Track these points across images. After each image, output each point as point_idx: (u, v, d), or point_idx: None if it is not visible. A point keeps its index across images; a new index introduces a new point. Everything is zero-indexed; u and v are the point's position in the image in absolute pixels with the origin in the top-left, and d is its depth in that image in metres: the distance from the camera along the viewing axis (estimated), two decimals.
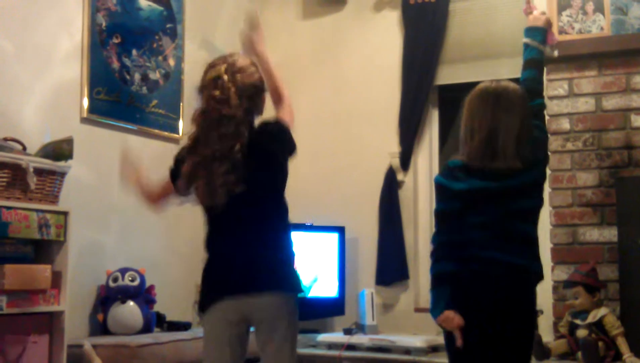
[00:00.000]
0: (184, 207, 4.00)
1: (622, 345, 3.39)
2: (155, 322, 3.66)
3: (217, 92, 2.42)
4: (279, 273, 2.48)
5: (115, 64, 3.78)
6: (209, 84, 2.46)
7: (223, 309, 2.46)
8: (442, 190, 2.55)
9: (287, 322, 2.46)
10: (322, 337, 4.01)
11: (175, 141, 4.13)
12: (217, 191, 2.42)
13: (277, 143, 2.53)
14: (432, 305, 2.52)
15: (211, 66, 2.50)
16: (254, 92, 2.51)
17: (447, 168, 2.58)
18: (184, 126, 4.17)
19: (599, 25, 3.84)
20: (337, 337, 4.01)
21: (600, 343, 3.36)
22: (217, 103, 2.42)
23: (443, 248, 2.51)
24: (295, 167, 4.66)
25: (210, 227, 2.53)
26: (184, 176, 2.48)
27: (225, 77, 2.44)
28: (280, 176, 2.56)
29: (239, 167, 2.41)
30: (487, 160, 2.48)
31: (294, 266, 2.54)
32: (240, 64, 2.49)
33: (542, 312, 3.50)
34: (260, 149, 2.48)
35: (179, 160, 2.56)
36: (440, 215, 2.55)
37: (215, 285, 2.48)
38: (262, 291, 2.43)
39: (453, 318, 2.46)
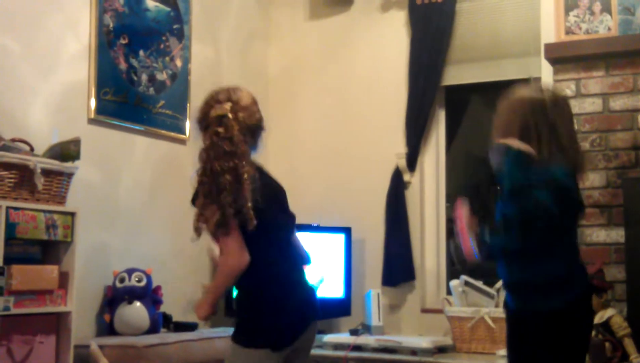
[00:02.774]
0: (191, 208, 4.02)
1: (629, 346, 3.39)
2: (162, 322, 3.66)
3: (221, 130, 2.46)
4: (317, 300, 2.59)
5: (123, 65, 3.79)
6: (213, 121, 2.49)
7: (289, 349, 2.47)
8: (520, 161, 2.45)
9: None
10: (329, 338, 4.01)
11: (182, 141, 4.14)
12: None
13: None
14: None
15: (216, 101, 2.52)
16: (259, 129, 2.57)
17: None
18: (191, 127, 4.17)
19: (606, 26, 3.83)
20: (344, 337, 4.01)
21: (607, 344, 3.35)
22: (221, 140, 2.46)
23: None
24: (302, 168, 4.73)
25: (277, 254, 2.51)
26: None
27: (231, 115, 2.48)
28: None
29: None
30: None
31: None
32: (245, 102, 2.52)
33: None
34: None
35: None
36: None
37: (295, 321, 2.46)
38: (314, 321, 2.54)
39: None
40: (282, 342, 2.42)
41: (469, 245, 2.53)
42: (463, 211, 2.58)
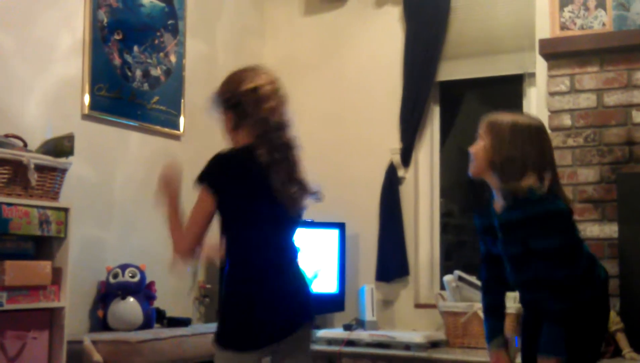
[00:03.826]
0: (185, 204, 4.01)
1: (622, 340, 3.40)
2: (156, 318, 3.67)
3: (268, 103, 2.35)
4: (311, 302, 2.44)
5: (117, 61, 3.79)
6: (248, 94, 2.34)
7: (268, 352, 2.33)
8: (570, 218, 2.47)
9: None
10: (322, 333, 4.02)
11: (177, 137, 4.14)
12: (298, 196, 2.40)
13: None
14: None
15: (244, 77, 2.37)
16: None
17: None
18: (185, 123, 4.17)
19: (601, 21, 3.84)
20: (337, 332, 4.02)
21: None
22: (267, 112, 2.35)
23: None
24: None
25: (262, 245, 2.35)
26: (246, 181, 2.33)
27: (268, 87, 2.36)
28: None
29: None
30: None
31: None
32: (272, 76, 2.42)
33: None
34: None
35: (229, 170, 2.35)
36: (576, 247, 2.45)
37: (273, 323, 2.29)
38: (301, 327, 2.37)
39: None
40: (254, 342, 2.26)
41: None
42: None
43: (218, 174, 2.30)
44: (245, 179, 2.30)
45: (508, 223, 2.41)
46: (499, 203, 2.44)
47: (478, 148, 2.47)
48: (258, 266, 2.32)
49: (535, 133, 2.44)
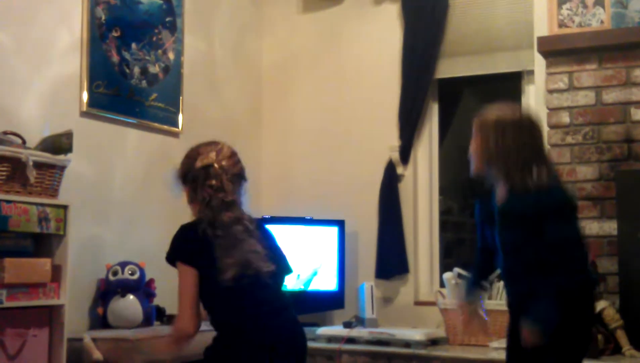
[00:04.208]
0: (184, 201, 3.99)
1: (622, 338, 3.41)
2: (156, 315, 3.66)
3: (213, 181, 2.51)
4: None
5: (115, 58, 3.78)
6: (200, 173, 2.53)
7: None
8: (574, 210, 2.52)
9: None
10: (322, 330, 4.02)
11: (175, 134, 4.13)
12: (256, 262, 2.49)
13: None
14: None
15: (198, 153, 2.56)
16: (241, 178, 2.61)
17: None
18: (184, 120, 4.16)
19: (599, 19, 3.84)
20: (337, 330, 4.01)
21: (599, 336, 3.36)
22: (216, 191, 2.50)
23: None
24: (295, 161, 4.73)
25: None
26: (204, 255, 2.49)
27: (216, 165, 2.52)
28: None
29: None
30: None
31: None
32: (226, 153, 2.57)
33: None
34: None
35: (192, 245, 2.54)
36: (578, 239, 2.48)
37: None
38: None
39: None
40: None
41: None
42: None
43: (184, 246, 2.53)
44: (200, 251, 2.49)
45: (509, 211, 2.46)
46: (500, 195, 2.48)
47: (473, 148, 2.56)
48: (229, 328, 2.50)
49: (521, 126, 2.49)
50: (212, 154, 2.53)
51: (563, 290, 2.36)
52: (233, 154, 2.59)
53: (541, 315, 2.35)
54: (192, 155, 2.57)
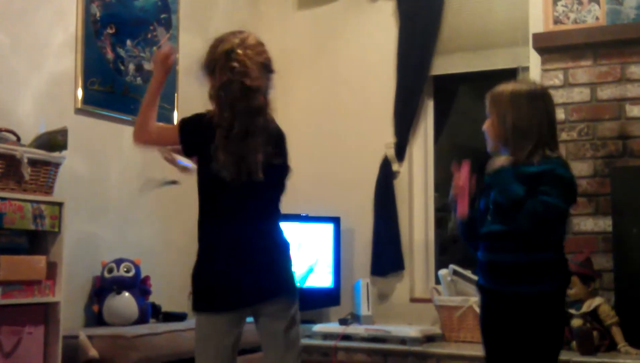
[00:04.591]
0: (180, 198, 4.01)
1: (617, 334, 3.41)
2: (151, 312, 3.65)
3: (235, 64, 2.29)
4: (287, 278, 2.40)
5: (110, 55, 3.77)
6: (221, 57, 2.33)
7: (226, 320, 2.34)
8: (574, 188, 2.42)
9: (292, 318, 2.39)
10: (318, 327, 4.02)
11: None
12: (252, 165, 2.28)
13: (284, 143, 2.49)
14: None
15: (220, 40, 2.38)
16: (267, 69, 2.40)
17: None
18: (179, 117, 4.15)
19: (594, 15, 3.84)
20: (333, 327, 4.02)
21: (594, 333, 3.37)
22: (238, 75, 2.29)
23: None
24: (291, 158, 4.70)
25: (214, 212, 2.35)
26: (205, 146, 2.31)
27: (239, 50, 2.32)
28: (287, 169, 2.49)
29: (273, 142, 2.36)
30: None
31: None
32: (251, 41, 2.38)
33: None
34: (278, 134, 2.43)
35: (194, 129, 2.38)
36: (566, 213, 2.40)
37: (222, 290, 2.32)
38: (270, 299, 2.35)
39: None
40: (209, 305, 2.32)
41: (465, 204, 2.46)
42: (465, 170, 2.47)
43: (190, 130, 2.39)
44: (202, 144, 2.33)
45: (520, 173, 2.35)
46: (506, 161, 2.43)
47: (487, 125, 2.47)
48: (212, 231, 2.35)
49: (537, 98, 2.42)
50: (235, 40, 2.33)
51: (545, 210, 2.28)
52: (259, 44, 2.38)
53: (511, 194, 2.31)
54: (215, 43, 2.38)
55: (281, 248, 2.42)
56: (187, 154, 2.45)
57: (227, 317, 2.35)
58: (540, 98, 2.44)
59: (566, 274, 2.46)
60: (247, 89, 2.30)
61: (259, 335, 2.42)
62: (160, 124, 2.58)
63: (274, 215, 2.45)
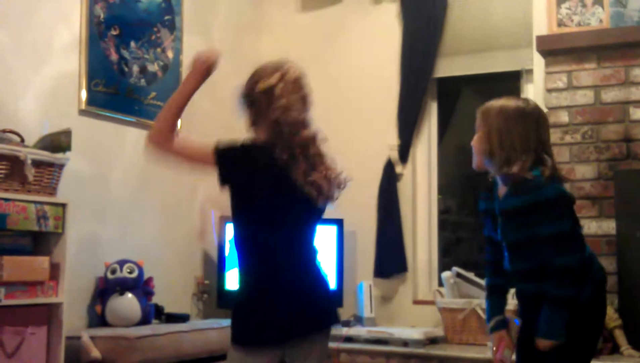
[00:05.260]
0: (183, 199, 4.02)
1: (620, 337, 3.41)
2: (154, 313, 3.66)
3: (282, 102, 2.31)
4: (332, 306, 2.43)
5: (114, 56, 3.78)
6: (261, 98, 2.34)
7: (274, 354, 2.26)
8: (571, 204, 2.43)
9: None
10: None
11: None
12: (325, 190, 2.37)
13: None
14: None
15: (261, 76, 2.36)
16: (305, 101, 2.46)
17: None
18: (182, 118, 4.14)
19: (598, 18, 3.84)
20: (335, 328, 4.01)
21: None
22: (279, 112, 2.32)
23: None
24: None
25: (268, 246, 2.31)
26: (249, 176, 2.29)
27: (281, 85, 2.34)
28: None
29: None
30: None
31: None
32: (291, 77, 2.37)
33: None
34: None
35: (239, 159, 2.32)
36: (576, 232, 2.40)
37: (278, 324, 2.23)
38: (318, 331, 2.32)
39: None
40: (257, 339, 2.23)
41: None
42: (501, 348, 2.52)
43: (232, 160, 2.31)
44: (253, 174, 2.29)
45: (508, 210, 2.39)
46: (501, 190, 2.44)
47: (475, 140, 2.48)
48: (266, 263, 2.29)
49: (525, 115, 2.40)
50: (277, 75, 2.32)
51: (565, 299, 2.29)
52: (298, 78, 2.38)
53: (552, 330, 2.30)
54: (254, 77, 2.36)
55: (325, 279, 2.43)
56: (224, 183, 2.31)
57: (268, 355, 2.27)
58: (529, 116, 2.41)
59: (597, 272, 2.42)
60: (294, 123, 2.35)
61: None
62: (188, 136, 2.45)
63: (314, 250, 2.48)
